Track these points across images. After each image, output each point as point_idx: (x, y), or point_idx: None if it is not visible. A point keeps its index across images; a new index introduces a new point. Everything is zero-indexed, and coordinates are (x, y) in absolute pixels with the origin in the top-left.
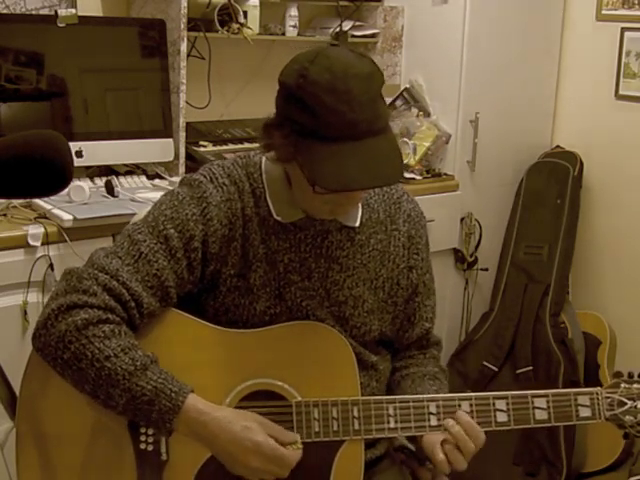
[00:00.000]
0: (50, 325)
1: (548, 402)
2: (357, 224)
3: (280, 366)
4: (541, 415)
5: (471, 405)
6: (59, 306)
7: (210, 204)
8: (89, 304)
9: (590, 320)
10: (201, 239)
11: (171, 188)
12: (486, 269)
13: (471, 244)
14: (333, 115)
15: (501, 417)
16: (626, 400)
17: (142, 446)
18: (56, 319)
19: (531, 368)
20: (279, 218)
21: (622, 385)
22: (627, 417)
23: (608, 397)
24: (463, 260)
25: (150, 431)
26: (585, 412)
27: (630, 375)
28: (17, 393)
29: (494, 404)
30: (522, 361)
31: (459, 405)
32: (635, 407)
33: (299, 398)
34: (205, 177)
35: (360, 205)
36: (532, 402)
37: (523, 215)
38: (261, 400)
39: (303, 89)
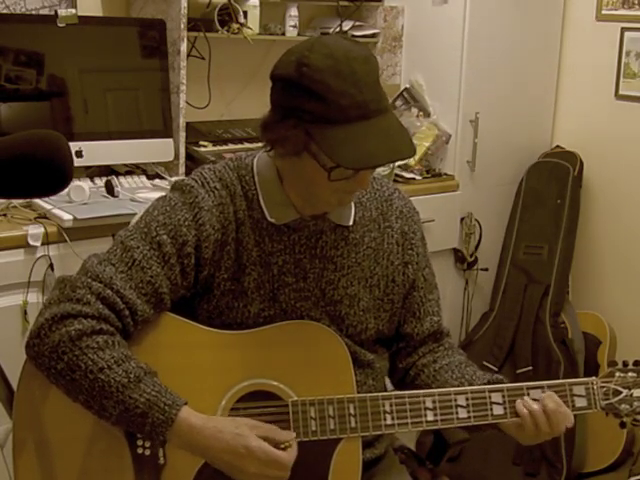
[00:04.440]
0: (44, 335)
1: (544, 393)
2: (350, 223)
3: (275, 366)
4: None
5: (467, 399)
6: (53, 316)
7: (202, 209)
8: (83, 313)
9: (590, 320)
10: (194, 244)
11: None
12: (486, 269)
13: (471, 244)
14: (343, 98)
15: (497, 410)
16: (621, 389)
17: (139, 450)
18: (50, 329)
19: (531, 368)
20: (273, 220)
21: (617, 374)
22: (623, 406)
23: (603, 386)
24: (463, 260)
25: None
26: (581, 402)
27: (625, 364)
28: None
29: (490, 397)
30: (522, 361)
31: (455, 399)
32: (630, 395)
33: (295, 397)
34: (196, 182)
35: (353, 204)
36: (527, 394)
37: (523, 215)
38: (257, 400)
39: (308, 77)
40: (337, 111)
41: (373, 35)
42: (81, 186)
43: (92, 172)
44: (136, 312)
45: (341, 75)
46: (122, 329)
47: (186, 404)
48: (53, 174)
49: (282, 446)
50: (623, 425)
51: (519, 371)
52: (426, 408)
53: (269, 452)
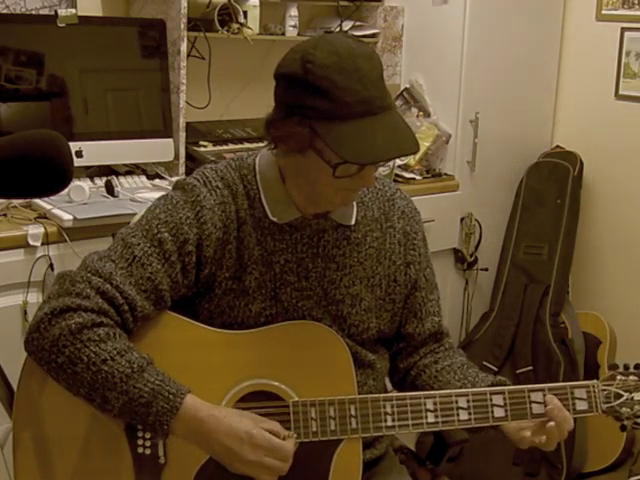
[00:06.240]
0: (43, 329)
1: (545, 396)
2: (352, 222)
3: (276, 366)
4: (538, 409)
5: (468, 401)
6: (52, 310)
7: (204, 207)
8: (82, 307)
9: (590, 320)
10: (195, 243)
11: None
12: (486, 269)
13: (471, 244)
14: (348, 94)
15: (498, 412)
16: (622, 392)
17: (140, 450)
18: (49, 323)
19: (531, 368)
20: (274, 219)
21: (618, 377)
22: (624, 409)
23: (604, 390)
24: (463, 260)
25: (148, 434)
26: (582, 405)
27: (626, 367)
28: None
29: (491, 399)
30: (522, 361)
31: (456, 401)
32: (631, 399)
33: (296, 398)
34: (198, 181)
35: (355, 203)
36: (529, 396)
37: (523, 215)
38: (258, 401)
39: (313, 74)
40: (342, 107)
41: (373, 35)
42: (81, 186)
43: (92, 172)
44: (135, 308)
45: (346, 71)
46: (121, 324)
47: (190, 392)
48: (53, 174)
49: (282, 437)
50: (624, 428)
51: (519, 371)
52: (427, 410)
53: (270, 439)
